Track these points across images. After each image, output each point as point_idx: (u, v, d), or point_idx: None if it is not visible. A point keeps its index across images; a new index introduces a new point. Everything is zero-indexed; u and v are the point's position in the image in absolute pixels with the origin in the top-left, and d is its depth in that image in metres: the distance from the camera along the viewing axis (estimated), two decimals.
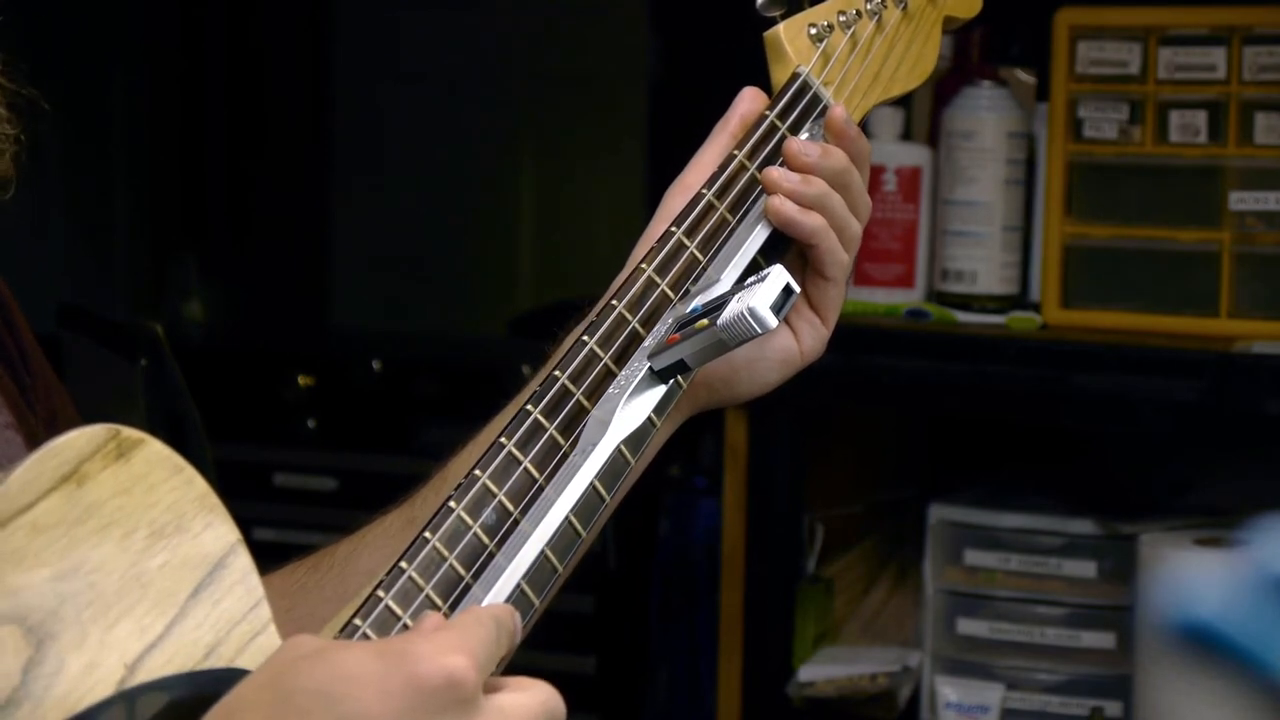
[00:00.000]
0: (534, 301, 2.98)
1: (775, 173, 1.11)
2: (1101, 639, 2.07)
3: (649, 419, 1.03)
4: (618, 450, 1.00)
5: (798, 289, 1.01)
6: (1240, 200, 2.03)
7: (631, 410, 1.02)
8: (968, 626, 2.12)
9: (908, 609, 2.27)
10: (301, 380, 2.59)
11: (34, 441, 0.87)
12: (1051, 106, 2.10)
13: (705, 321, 1.01)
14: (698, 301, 1.06)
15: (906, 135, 2.22)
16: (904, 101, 2.24)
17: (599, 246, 2.82)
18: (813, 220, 1.11)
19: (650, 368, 1.04)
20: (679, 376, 1.04)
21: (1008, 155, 2.14)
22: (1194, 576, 0.61)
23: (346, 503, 2.48)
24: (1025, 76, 2.22)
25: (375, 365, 2.58)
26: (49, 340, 2.49)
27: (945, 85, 2.23)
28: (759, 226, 1.12)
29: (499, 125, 3.03)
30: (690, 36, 2.72)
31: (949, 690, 2.11)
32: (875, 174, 2.19)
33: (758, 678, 2.12)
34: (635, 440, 1.02)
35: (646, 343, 1.05)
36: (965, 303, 2.15)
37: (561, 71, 2.99)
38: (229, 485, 2.13)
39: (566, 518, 0.97)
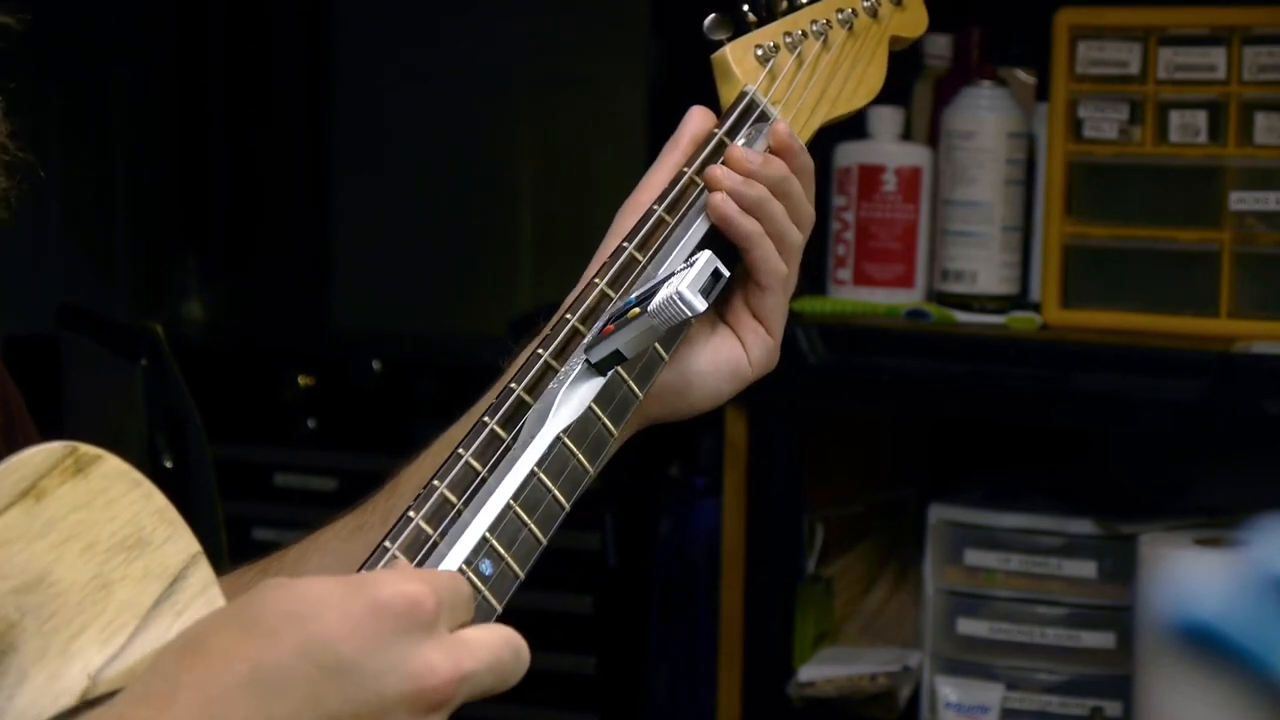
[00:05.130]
0: (534, 301, 2.98)
1: (718, 170, 1.14)
2: (1101, 639, 2.07)
3: (604, 426, 1.04)
4: (557, 439, 1.01)
5: (726, 272, 1.02)
6: (1240, 200, 2.03)
7: (570, 401, 1.03)
8: (968, 626, 2.12)
9: (908, 609, 2.27)
10: (301, 380, 2.59)
11: None
12: (1051, 106, 2.10)
13: (637, 310, 1.03)
14: (634, 294, 1.08)
15: (906, 135, 2.22)
16: (904, 101, 2.24)
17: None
18: (750, 225, 1.13)
19: (587, 360, 1.05)
20: (620, 370, 1.05)
21: (1008, 155, 2.14)
22: (1194, 576, 0.61)
23: (346, 503, 2.47)
24: (1025, 76, 2.22)
25: (375, 365, 2.58)
26: (49, 340, 2.49)
27: (945, 85, 2.23)
28: (698, 221, 1.14)
29: (499, 125, 3.03)
30: (690, 37, 2.72)
31: (949, 690, 2.11)
32: (875, 174, 2.19)
33: (758, 678, 2.12)
34: (594, 447, 1.03)
35: (586, 339, 1.06)
36: (965, 303, 2.15)
37: (561, 71, 2.99)
38: (229, 485, 2.13)
39: (508, 503, 0.98)
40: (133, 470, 0.86)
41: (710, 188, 1.14)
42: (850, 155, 2.20)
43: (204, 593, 0.88)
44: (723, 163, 1.15)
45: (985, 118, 2.14)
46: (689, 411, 1.17)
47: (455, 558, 0.95)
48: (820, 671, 2.14)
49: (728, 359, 1.16)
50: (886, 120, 2.19)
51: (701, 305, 1.00)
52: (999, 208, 2.14)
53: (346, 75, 3.11)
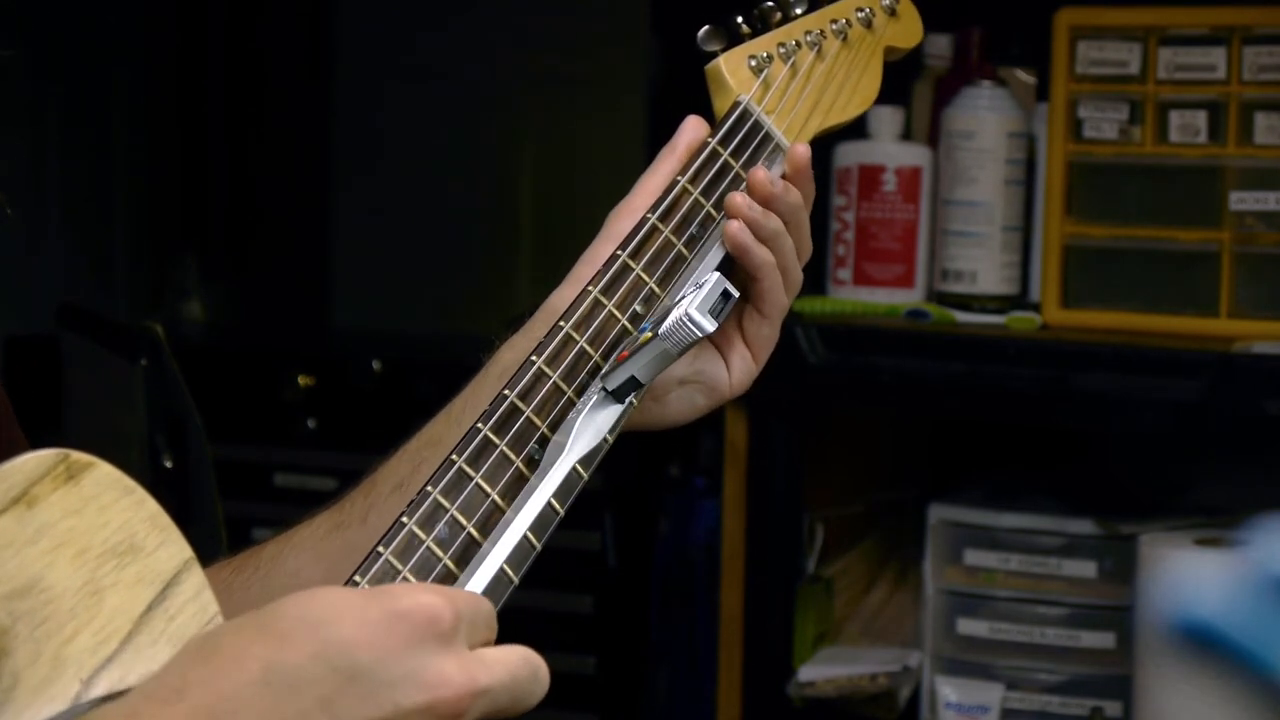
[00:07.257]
0: (534, 301, 2.98)
1: (739, 198, 1.15)
2: (1101, 639, 2.07)
3: (604, 438, 1.05)
4: (573, 468, 1.03)
5: (736, 294, 1.04)
6: (1240, 200, 2.03)
7: (588, 430, 1.05)
8: (968, 626, 2.12)
9: (908, 609, 2.27)
10: (301, 380, 2.59)
11: None
12: (1051, 106, 2.10)
13: (650, 334, 1.05)
14: (647, 321, 1.09)
15: (906, 135, 2.22)
16: (904, 101, 2.24)
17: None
18: (764, 254, 1.15)
19: (604, 388, 1.06)
20: (634, 394, 1.07)
21: (1008, 155, 2.14)
22: (1194, 576, 0.61)
23: None
24: (1025, 76, 2.22)
25: (375, 365, 2.58)
26: (49, 340, 2.49)
27: (945, 85, 2.23)
28: (714, 249, 1.15)
29: (499, 125, 3.03)
30: (690, 37, 2.72)
31: (949, 690, 2.11)
32: (875, 174, 2.19)
33: (758, 678, 2.12)
34: (589, 458, 1.04)
35: (604, 369, 1.08)
36: (965, 303, 2.15)
37: (561, 71, 2.99)
38: (229, 485, 2.13)
39: (525, 534, 0.99)
40: (125, 477, 0.87)
41: (730, 215, 1.15)
42: (850, 155, 2.20)
43: (196, 598, 0.88)
44: (744, 189, 1.16)
45: (985, 118, 2.14)
46: (663, 422, 1.19)
47: (474, 589, 0.96)
48: (820, 671, 2.14)
49: (710, 377, 1.18)
50: (886, 120, 2.19)
51: (711, 326, 1.02)
52: (999, 208, 2.14)
53: (346, 76, 3.11)
